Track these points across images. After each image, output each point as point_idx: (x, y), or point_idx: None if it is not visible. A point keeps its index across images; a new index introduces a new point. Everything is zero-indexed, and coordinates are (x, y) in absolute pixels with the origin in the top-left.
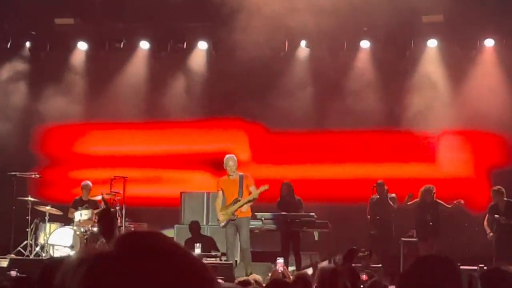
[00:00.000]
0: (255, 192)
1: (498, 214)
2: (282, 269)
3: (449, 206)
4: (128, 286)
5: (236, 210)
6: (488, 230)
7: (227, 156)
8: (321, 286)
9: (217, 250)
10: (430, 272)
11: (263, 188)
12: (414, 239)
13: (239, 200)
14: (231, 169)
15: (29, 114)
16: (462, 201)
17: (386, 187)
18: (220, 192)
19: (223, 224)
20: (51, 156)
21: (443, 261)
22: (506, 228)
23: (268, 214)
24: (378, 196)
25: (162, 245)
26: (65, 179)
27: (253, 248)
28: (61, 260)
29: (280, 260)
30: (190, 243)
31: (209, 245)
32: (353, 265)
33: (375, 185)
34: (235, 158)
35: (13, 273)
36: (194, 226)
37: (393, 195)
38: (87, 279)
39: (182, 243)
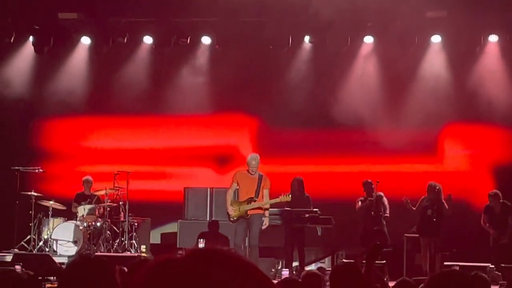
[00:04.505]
0: (269, 200)
1: (493, 215)
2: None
3: (447, 207)
4: None
5: (249, 210)
6: (489, 228)
7: (251, 155)
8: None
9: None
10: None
11: (285, 198)
12: (417, 235)
13: (254, 201)
14: (252, 169)
15: (31, 108)
16: (451, 196)
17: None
18: (235, 184)
19: (234, 219)
20: (54, 150)
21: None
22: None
23: (272, 210)
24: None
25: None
26: (68, 173)
27: None
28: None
29: (285, 272)
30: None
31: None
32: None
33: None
34: (258, 158)
35: (18, 267)
36: (214, 224)
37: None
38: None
39: (185, 238)
